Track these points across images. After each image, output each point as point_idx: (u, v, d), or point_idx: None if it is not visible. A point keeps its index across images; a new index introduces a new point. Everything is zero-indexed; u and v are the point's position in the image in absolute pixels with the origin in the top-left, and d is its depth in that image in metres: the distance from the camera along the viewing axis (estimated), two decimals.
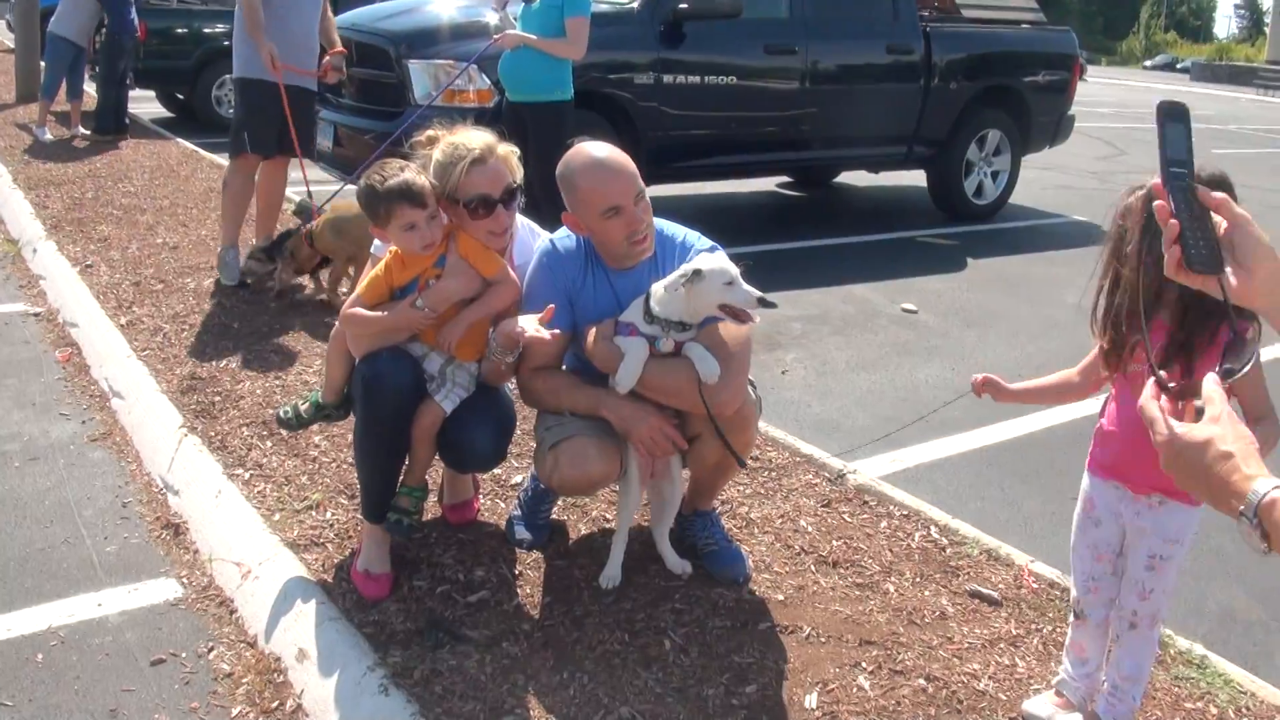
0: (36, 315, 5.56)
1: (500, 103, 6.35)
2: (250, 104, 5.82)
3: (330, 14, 6.11)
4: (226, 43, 12.67)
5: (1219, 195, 1.41)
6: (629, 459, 2.85)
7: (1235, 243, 1.40)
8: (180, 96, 13.10)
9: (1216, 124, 23.85)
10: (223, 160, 8.70)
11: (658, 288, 2.72)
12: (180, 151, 9.78)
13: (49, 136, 10.23)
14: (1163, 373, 1.50)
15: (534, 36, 5.78)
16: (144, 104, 13.28)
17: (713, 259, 2.69)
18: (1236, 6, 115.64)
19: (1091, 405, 5.12)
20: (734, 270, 2.64)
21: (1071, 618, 2.57)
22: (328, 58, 5.98)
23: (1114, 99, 30.46)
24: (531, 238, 3.11)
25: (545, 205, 5.67)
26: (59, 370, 4.83)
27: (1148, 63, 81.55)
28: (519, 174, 2.90)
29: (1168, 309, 2.20)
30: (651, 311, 2.71)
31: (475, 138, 2.85)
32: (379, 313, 2.80)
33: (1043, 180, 11.77)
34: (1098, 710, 2.51)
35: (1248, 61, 65.58)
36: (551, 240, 2.94)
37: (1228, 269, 1.39)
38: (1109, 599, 2.47)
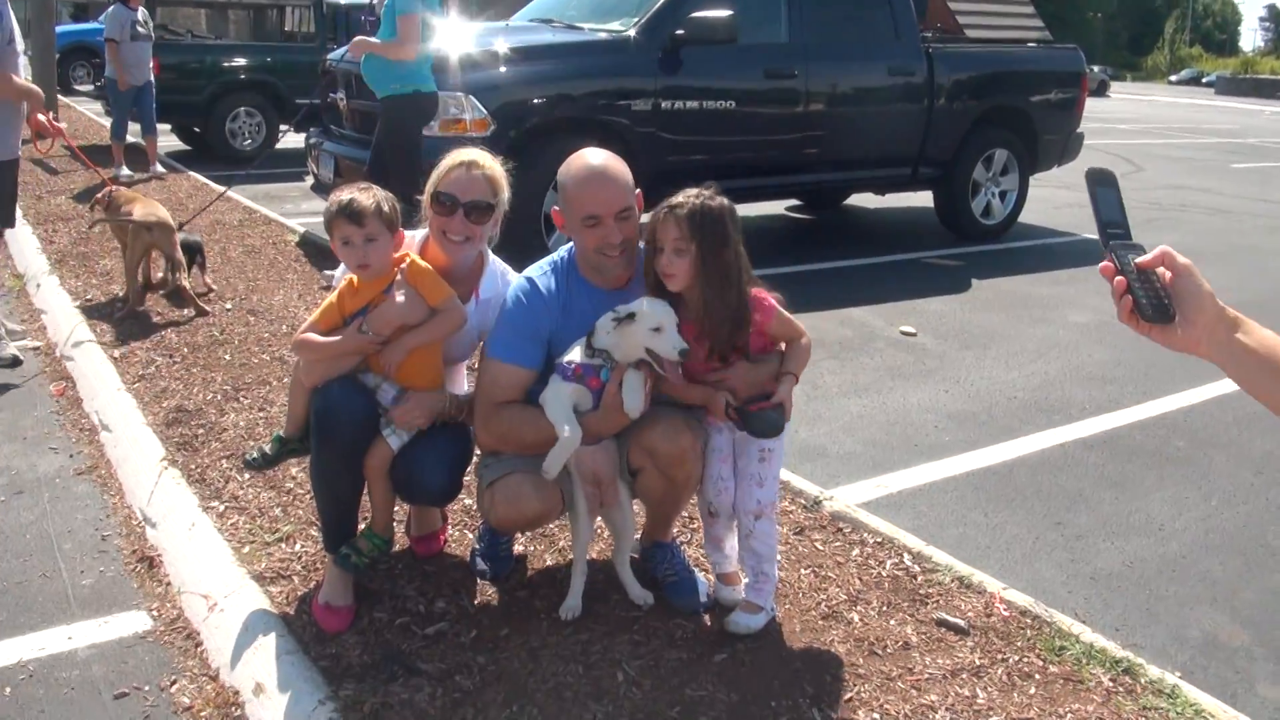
0: (36, 349, 5.63)
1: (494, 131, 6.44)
2: None
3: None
4: (241, 76, 12.93)
5: (1158, 251, 1.48)
6: (575, 491, 2.84)
7: (1179, 292, 1.47)
8: (196, 130, 13.29)
9: (1236, 138, 23.64)
10: (233, 194, 8.79)
11: (601, 322, 2.75)
12: (191, 185, 9.89)
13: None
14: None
15: (376, 41, 6.40)
16: (161, 137, 13.45)
17: (651, 304, 2.72)
18: (1261, 19, 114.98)
19: (1080, 430, 5.05)
20: (666, 320, 2.69)
21: (707, 516, 3.03)
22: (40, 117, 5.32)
23: (1137, 114, 30.29)
24: (502, 282, 3.12)
25: (398, 192, 5.78)
26: (53, 404, 4.88)
27: (1173, 77, 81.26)
28: (499, 195, 2.97)
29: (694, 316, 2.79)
30: (594, 345, 2.74)
31: (476, 152, 3.00)
32: (330, 338, 2.86)
33: (1056, 199, 11.70)
34: (750, 599, 2.96)
35: (1273, 74, 65.20)
36: (530, 278, 2.91)
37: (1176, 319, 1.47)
38: (731, 498, 2.94)
